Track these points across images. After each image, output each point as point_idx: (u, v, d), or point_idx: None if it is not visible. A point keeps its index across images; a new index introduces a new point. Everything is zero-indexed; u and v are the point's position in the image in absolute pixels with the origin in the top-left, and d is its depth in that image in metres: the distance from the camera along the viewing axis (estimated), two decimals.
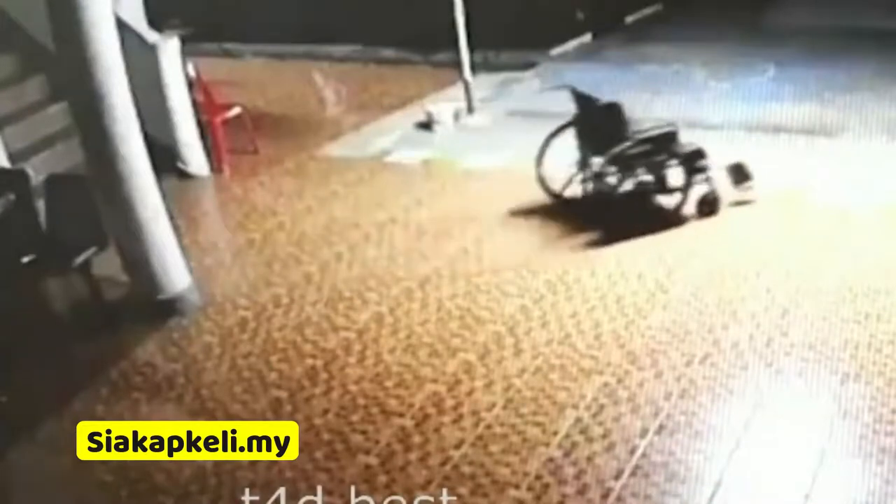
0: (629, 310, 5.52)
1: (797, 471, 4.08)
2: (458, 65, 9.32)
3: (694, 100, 8.87)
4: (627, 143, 6.48)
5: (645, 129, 6.58)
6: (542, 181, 7.04)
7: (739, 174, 6.75)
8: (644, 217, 6.60)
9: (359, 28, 12.13)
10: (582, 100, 6.93)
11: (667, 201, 6.68)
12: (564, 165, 6.96)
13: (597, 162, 6.63)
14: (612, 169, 6.58)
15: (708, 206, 6.60)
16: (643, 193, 6.66)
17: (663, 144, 6.53)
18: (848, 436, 4.28)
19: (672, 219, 6.56)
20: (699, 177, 6.52)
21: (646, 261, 6.04)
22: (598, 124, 6.70)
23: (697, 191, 6.58)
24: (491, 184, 7.68)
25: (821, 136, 7.70)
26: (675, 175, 6.58)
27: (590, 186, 6.84)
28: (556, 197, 7.04)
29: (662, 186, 6.66)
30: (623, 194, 6.58)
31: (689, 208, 6.61)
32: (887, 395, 4.49)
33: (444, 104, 9.42)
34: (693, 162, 6.50)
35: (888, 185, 6.75)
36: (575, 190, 6.96)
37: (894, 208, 6.42)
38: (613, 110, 6.59)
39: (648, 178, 6.62)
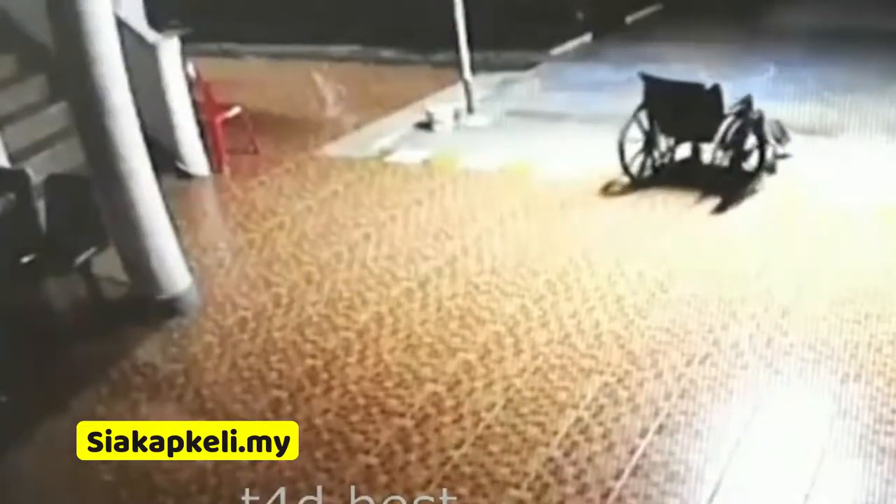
0: (629, 310, 5.52)
1: (797, 471, 4.08)
2: (458, 65, 9.31)
3: None
4: (730, 120, 6.83)
5: (733, 104, 6.91)
6: (622, 161, 7.21)
7: (780, 131, 7.20)
8: (735, 182, 6.86)
9: (359, 28, 12.12)
10: (661, 84, 7.15)
11: (747, 165, 6.96)
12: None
13: (724, 131, 6.84)
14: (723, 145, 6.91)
15: (772, 165, 7.00)
16: (733, 161, 6.92)
17: (745, 114, 6.88)
18: (848, 436, 4.28)
19: (754, 180, 6.89)
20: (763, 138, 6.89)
21: (646, 261, 6.05)
22: (700, 105, 6.94)
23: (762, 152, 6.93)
24: (491, 183, 7.68)
25: (821, 136, 7.70)
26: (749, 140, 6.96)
27: (666, 161, 7.33)
28: (633, 176, 7.28)
29: (744, 152, 6.93)
30: (716, 165, 6.95)
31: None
32: (887, 395, 4.49)
33: (444, 104, 9.40)
34: (761, 125, 6.85)
35: (888, 185, 6.75)
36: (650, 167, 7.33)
37: (894, 208, 6.42)
38: (716, 93, 6.84)
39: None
